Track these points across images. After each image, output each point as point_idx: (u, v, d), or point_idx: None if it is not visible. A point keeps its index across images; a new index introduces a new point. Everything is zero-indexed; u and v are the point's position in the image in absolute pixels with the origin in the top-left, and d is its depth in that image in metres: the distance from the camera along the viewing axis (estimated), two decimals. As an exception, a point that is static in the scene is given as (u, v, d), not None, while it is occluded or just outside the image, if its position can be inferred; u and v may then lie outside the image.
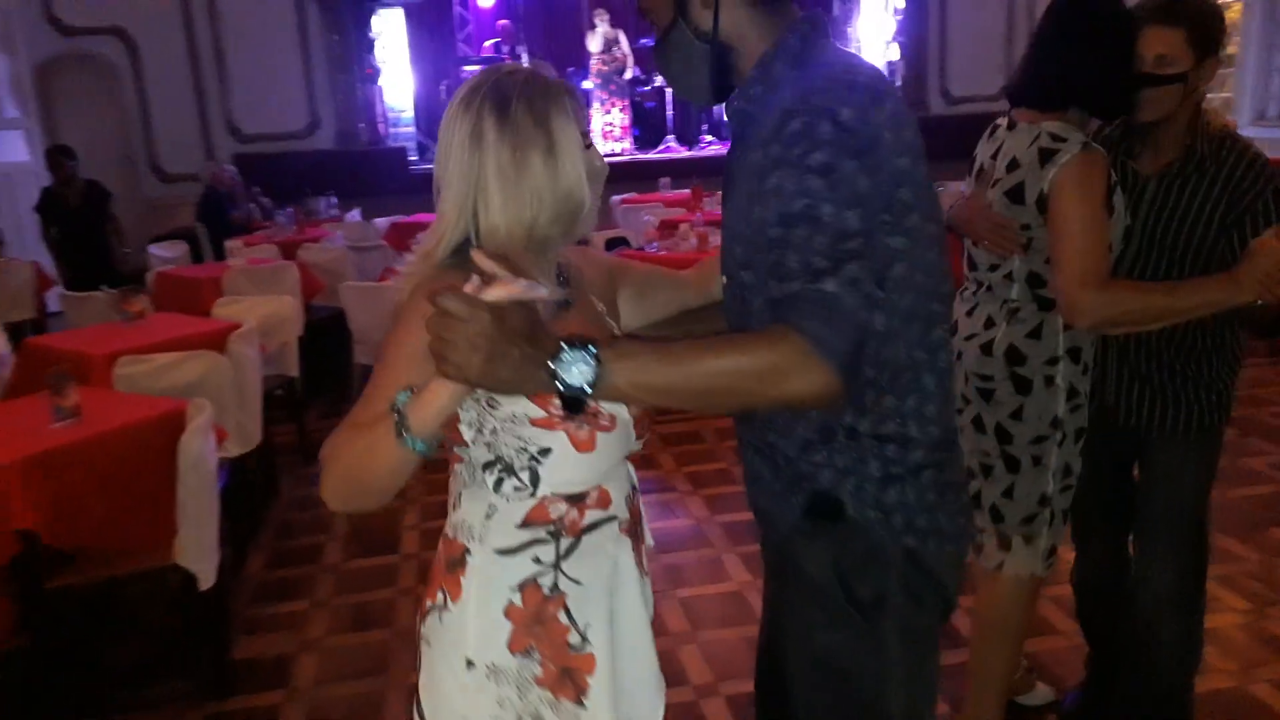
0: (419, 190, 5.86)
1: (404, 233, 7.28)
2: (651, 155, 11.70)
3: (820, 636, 1.35)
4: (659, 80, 12.45)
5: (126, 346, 3.78)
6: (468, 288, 1.05)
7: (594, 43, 11.61)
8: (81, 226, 7.07)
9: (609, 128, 11.56)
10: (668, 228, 6.26)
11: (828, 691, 1.37)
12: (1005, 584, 2.30)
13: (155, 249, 7.36)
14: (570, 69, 11.64)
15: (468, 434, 1.29)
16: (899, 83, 12.14)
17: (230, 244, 6.18)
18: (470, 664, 1.31)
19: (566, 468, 1.28)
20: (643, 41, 12.91)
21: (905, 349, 1.29)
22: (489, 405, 1.26)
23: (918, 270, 1.27)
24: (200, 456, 2.76)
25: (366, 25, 10.96)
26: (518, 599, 1.31)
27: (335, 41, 10.76)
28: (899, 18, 12.11)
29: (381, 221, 8.14)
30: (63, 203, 7.08)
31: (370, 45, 11.05)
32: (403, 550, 3.85)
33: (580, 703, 1.32)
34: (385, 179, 10.40)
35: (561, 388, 1.06)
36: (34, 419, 2.94)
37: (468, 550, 1.33)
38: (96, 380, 3.56)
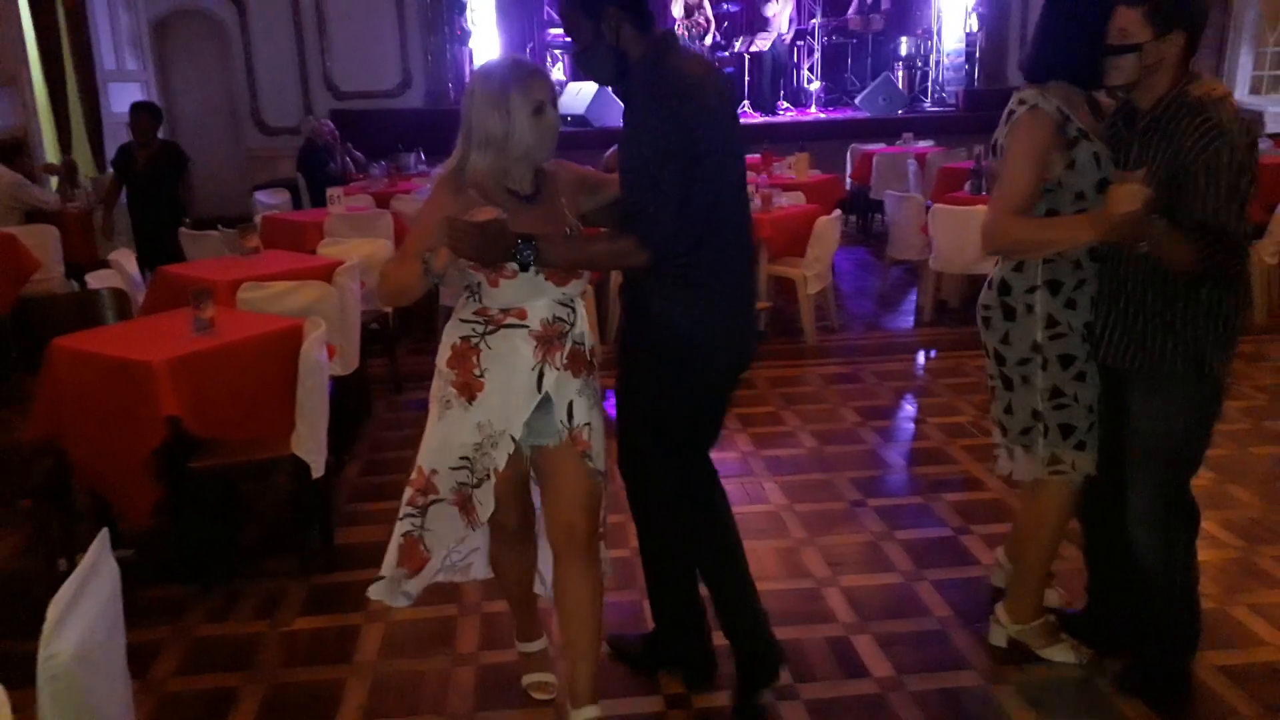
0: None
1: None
2: (728, 121, 11.97)
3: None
4: (740, 45, 12.71)
5: (246, 275, 4.31)
6: (477, 214, 2.20)
7: (677, 7, 11.90)
8: (149, 188, 6.71)
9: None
10: (735, 188, 6.58)
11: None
12: (1042, 495, 2.68)
13: (260, 195, 7.97)
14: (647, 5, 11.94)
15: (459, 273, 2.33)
16: (977, 54, 12.19)
17: (330, 192, 6.71)
18: (437, 368, 2.40)
19: (490, 292, 2.31)
20: (724, 6, 13.18)
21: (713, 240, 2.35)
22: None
23: (717, 192, 2.33)
24: (317, 363, 3.25)
25: (458, -12, 11.42)
26: (458, 341, 2.36)
27: (428, 4, 11.25)
28: (978, -9, 12.13)
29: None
30: (133, 162, 6.79)
31: (461, 8, 11.52)
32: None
33: (470, 402, 2.33)
34: (471, 137, 10.86)
35: (517, 262, 2.21)
36: (176, 329, 3.47)
37: (452, 320, 2.41)
38: (221, 303, 4.09)
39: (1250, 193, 2.30)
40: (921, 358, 6.04)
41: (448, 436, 2.35)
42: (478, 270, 2.27)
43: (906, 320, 6.84)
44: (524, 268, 2.21)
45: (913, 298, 7.16)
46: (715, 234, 2.35)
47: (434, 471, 2.39)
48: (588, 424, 2.39)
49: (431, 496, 2.41)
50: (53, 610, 1.50)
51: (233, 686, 2.82)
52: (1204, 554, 3.37)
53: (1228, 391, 2.60)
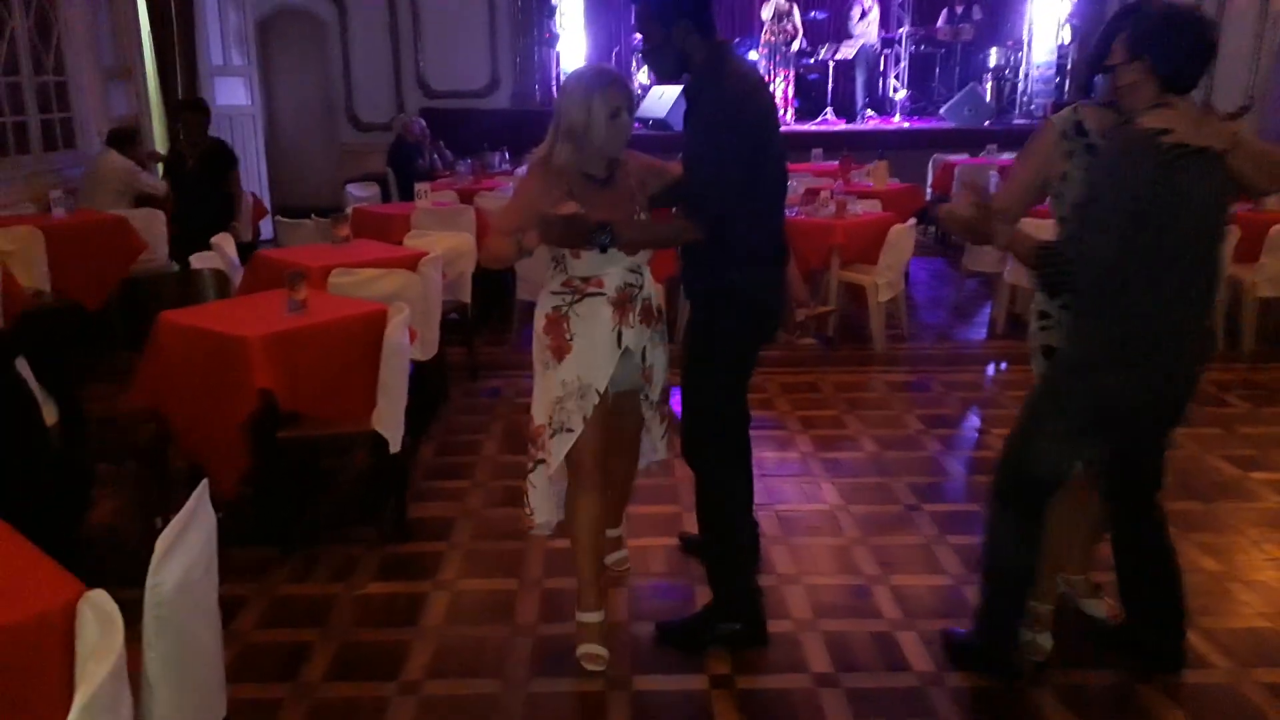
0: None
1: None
2: (809, 126, 12.02)
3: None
4: (824, 53, 12.74)
5: (336, 262, 4.55)
6: (562, 208, 2.57)
7: (767, 10, 12.01)
8: (198, 188, 6.65)
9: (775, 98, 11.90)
10: (810, 194, 6.66)
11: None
12: None
13: (352, 188, 8.30)
14: (738, 39, 12.07)
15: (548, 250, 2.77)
16: (1069, 65, 12.01)
17: (418, 187, 6.96)
18: (535, 334, 2.87)
19: (573, 263, 2.76)
20: (813, 14, 13.21)
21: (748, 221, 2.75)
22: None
23: (766, 185, 2.76)
24: (400, 345, 3.46)
25: (549, -8, 11.68)
26: (550, 311, 2.83)
27: (519, 7, 11.53)
28: (1074, 1, 11.95)
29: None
30: (181, 163, 6.73)
31: (551, 11, 11.77)
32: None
33: (560, 361, 2.80)
34: (555, 138, 11.11)
35: (597, 245, 2.60)
36: (272, 308, 3.71)
37: (544, 292, 2.86)
38: (313, 287, 4.33)
39: (1142, 228, 2.34)
40: (991, 370, 6.04)
41: (548, 390, 2.83)
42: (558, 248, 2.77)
43: (979, 332, 6.82)
44: (603, 250, 2.63)
45: (987, 310, 7.14)
46: (764, 221, 2.81)
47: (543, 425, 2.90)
48: (652, 364, 2.93)
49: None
50: (160, 545, 1.70)
51: (308, 641, 3.03)
52: (1266, 573, 3.38)
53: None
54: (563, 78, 12.03)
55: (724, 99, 2.64)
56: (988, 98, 12.51)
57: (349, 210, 6.83)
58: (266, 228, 8.34)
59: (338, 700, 2.76)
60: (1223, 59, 11.55)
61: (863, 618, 3.15)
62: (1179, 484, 4.13)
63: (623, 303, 2.80)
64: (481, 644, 3.02)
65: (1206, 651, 2.94)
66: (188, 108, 6.89)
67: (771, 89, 11.80)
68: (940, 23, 12.96)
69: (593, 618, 2.91)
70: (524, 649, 2.99)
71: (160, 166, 6.83)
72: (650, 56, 2.80)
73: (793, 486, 4.11)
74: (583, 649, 2.89)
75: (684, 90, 2.76)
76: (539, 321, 2.86)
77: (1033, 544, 2.70)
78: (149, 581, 1.66)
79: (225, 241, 5.42)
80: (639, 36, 2.82)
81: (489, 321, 6.55)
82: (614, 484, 3.07)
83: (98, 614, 1.52)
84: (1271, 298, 6.04)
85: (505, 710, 2.72)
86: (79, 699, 1.34)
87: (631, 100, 2.75)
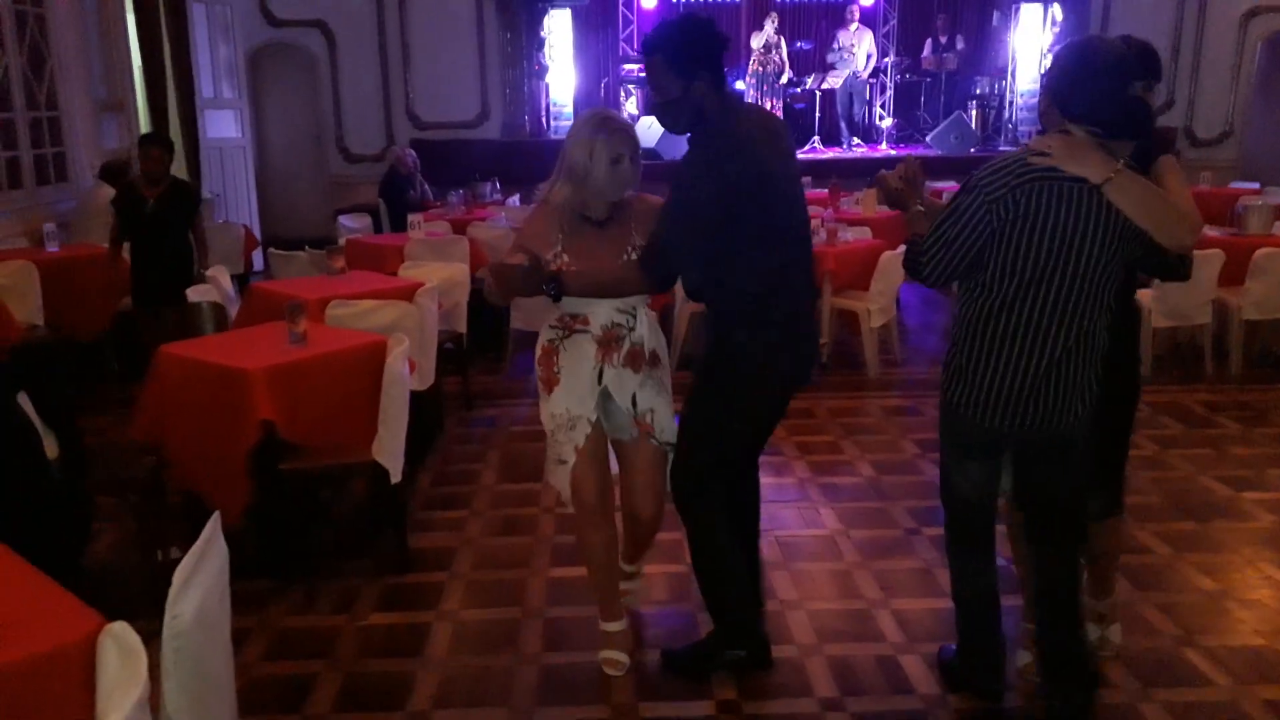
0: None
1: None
2: (797, 155, 12.14)
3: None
4: (811, 83, 12.89)
5: (333, 293, 4.57)
6: (512, 258, 2.73)
7: (757, 40, 12.17)
8: (158, 231, 5.85)
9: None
10: (801, 222, 6.71)
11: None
12: None
13: (343, 219, 8.34)
14: (725, 69, 12.21)
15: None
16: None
17: (412, 218, 7.00)
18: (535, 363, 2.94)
19: (565, 300, 2.76)
20: (799, 45, 13.39)
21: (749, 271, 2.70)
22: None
23: (765, 244, 2.66)
24: (400, 376, 3.48)
25: (538, 24, 11.79)
26: (545, 343, 2.90)
27: (508, 39, 11.64)
28: (1056, 28, 12.15)
29: (540, 206, 8.89)
30: (141, 202, 5.82)
31: (540, 43, 11.89)
32: (544, 479, 4.50)
33: (549, 394, 2.87)
34: (545, 168, 11.03)
35: (548, 295, 2.69)
36: (272, 340, 3.72)
37: (544, 325, 2.93)
38: (310, 318, 4.34)
39: (998, 246, 2.40)
40: (983, 393, 6.08)
41: (546, 423, 2.92)
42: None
43: (969, 356, 6.87)
44: (554, 299, 2.72)
45: (976, 334, 7.19)
46: (787, 278, 2.73)
47: None
48: (651, 410, 2.88)
49: None
50: (178, 577, 1.71)
51: (314, 673, 3.02)
52: (1259, 592, 3.41)
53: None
54: (553, 109, 12.16)
55: (716, 153, 2.59)
56: (973, 125, 12.68)
57: (343, 241, 6.86)
58: (258, 260, 8.37)
59: (344, 732, 2.75)
60: (1202, 87, 11.79)
61: (866, 641, 3.17)
62: (1173, 505, 4.18)
63: (608, 341, 2.81)
64: (486, 673, 3.01)
65: (1207, 669, 2.96)
66: (147, 141, 6.02)
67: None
68: (925, 53, 13.14)
69: (615, 627, 3.00)
70: (530, 677, 2.99)
71: (112, 209, 6.04)
72: (664, 110, 2.70)
73: (792, 512, 4.13)
74: (604, 654, 2.98)
75: (690, 139, 2.69)
76: (537, 352, 2.94)
77: (983, 568, 2.73)
78: (168, 613, 1.66)
79: (220, 274, 5.43)
80: (652, 88, 2.72)
81: (484, 351, 6.58)
82: (639, 522, 3.03)
83: (120, 646, 1.52)
84: (1258, 320, 6.12)
85: (512, 739, 2.72)
86: (115, 716, 1.34)
87: (636, 148, 2.75)
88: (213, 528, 1.91)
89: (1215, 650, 3.06)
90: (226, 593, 1.96)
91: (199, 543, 1.82)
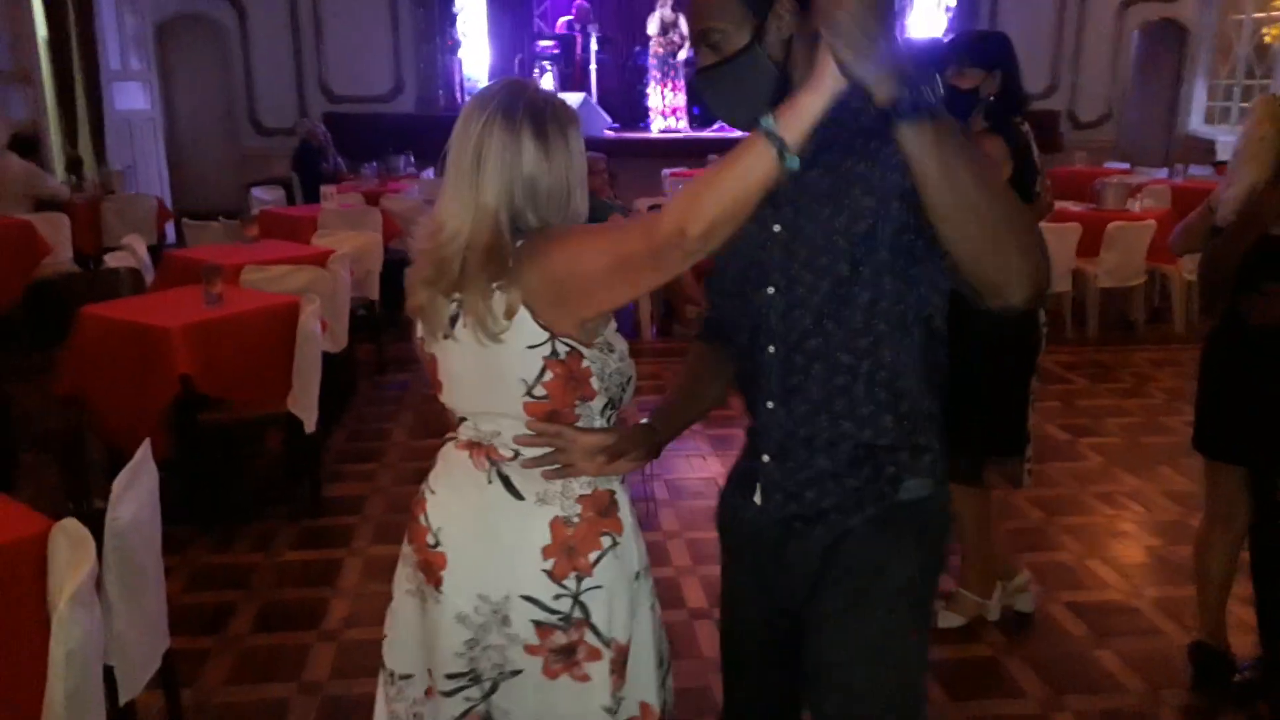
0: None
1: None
2: (706, 134, 12.50)
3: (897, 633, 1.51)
4: (718, 63, 13.24)
5: (248, 260, 4.79)
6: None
7: (652, 25, 12.40)
8: None
9: (665, 107, 12.29)
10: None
11: (894, 685, 1.52)
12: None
13: (256, 191, 8.47)
14: (638, 48, 12.51)
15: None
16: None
17: (325, 189, 7.18)
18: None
19: None
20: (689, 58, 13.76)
21: None
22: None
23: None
24: (312, 332, 3.76)
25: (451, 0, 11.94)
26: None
27: (421, 14, 11.76)
28: (949, 13, 12.73)
29: (453, 179, 9.12)
30: None
31: (453, 19, 12.02)
32: (454, 435, 4.82)
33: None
34: (459, 143, 11.38)
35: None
36: (189, 301, 3.96)
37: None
38: (226, 283, 4.57)
39: None
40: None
41: None
42: None
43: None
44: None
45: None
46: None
47: None
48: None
49: None
50: (117, 485, 2.01)
51: (233, 601, 3.31)
52: (1080, 519, 3.92)
53: None
54: (466, 84, 12.32)
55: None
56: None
57: (257, 212, 7.02)
58: (170, 232, 8.44)
59: (263, 648, 3.05)
60: (1083, 72, 12.48)
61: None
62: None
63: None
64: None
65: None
66: None
67: (665, 101, 12.29)
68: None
69: None
70: (433, 601, 3.32)
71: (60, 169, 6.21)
72: (724, 74, 1.49)
73: (683, 462, 4.53)
74: None
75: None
76: None
77: None
78: (108, 515, 1.96)
79: (136, 242, 5.59)
80: (692, 49, 1.58)
81: (397, 319, 6.80)
82: None
83: (70, 538, 1.81)
84: (1112, 287, 6.72)
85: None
86: (67, 590, 1.64)
87: None
88: (144, 452, 2.20)
89: (1041, 565, 3.54)
90: (157, 508, 2.26)
91: (133, 461, 2.12)
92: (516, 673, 1.54)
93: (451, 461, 1.61)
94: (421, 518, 1.60)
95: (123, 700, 2.05)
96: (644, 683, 1.60)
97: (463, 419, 1.60)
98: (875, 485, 1.49)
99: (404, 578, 1.64)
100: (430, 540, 1.57)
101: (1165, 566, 3.60)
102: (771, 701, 1.69)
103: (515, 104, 1.46)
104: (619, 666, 1.56)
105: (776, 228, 1.48)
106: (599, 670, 1.53)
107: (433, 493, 1.61)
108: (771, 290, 1.49)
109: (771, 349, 1.50)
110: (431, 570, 1.55)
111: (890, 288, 1.43)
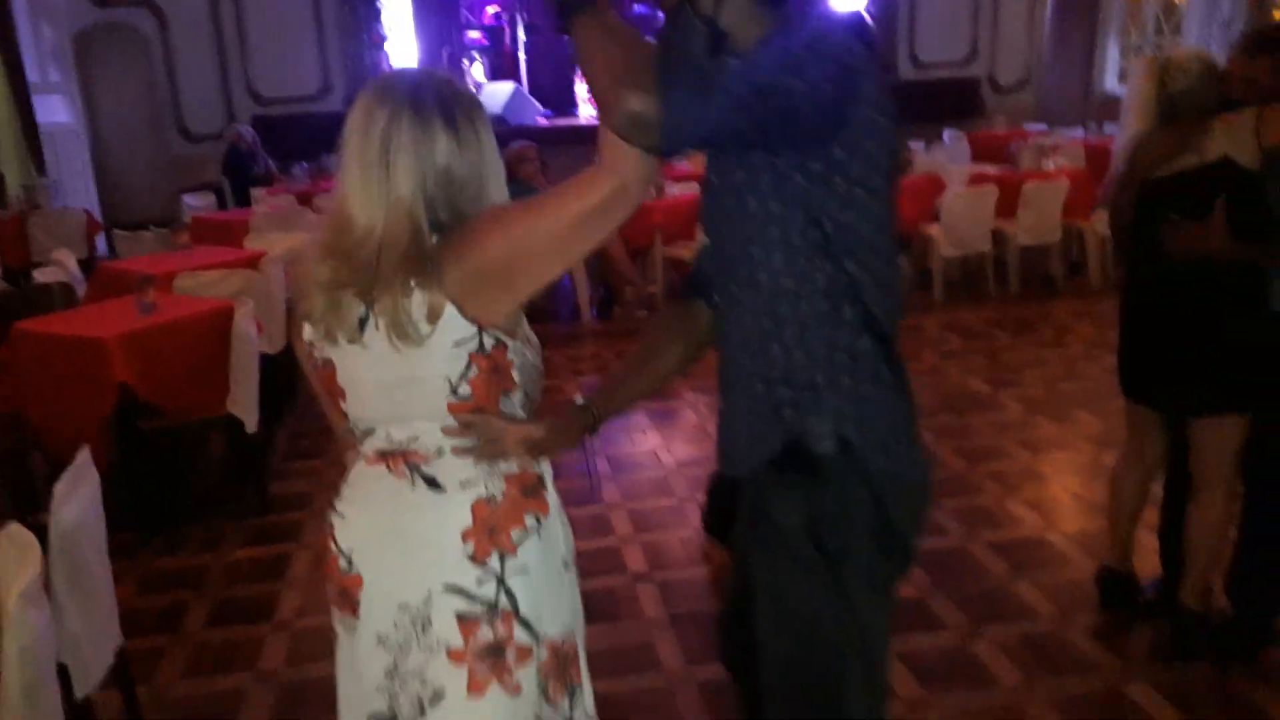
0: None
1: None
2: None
3: (787, 583, 1.50)
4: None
5: (180, 267, 4.83)
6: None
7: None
8: None
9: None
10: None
11: (790, 637, 1.51)
12: None
13: (187, 198, 8.43)
14: (568, 37, 12.53)
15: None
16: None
17: (255, 193, 7.21)
18: None
19: None
20: (635, 8, 13.81)
21: None
22: None
23: None
24: (247, 334, 3.82)
25: (375, -4, 11.90)
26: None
27: (346, 11, 11.70)
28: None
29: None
30: None
31: (378, 14, 11.99)
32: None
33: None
34: (391, 138, 11.36)
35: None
36: (123, 311, 4.00)
37: None
38: (159, 292, 4.60)
39: None
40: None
41: None
42: None
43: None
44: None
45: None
46: None
47: None
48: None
49: None
50: (59, 490, 2.08)
51: (185, 600, 3.38)
52: (1001, 465, 4.12)
53: None
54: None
55: None
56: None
57: (187, 219, 7.02)
58: (101, 245, 8.37)
59: (218, 642, 3.14)
60: (1000, 39, 12.76)
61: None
62: (941, 404, 4.89)
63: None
64: (345, 586, 3.43)
65: (944, 523, 3.62)
66: None
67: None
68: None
69: None
70: (383, 586, 3.42)
71: None
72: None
73: (624, 436, 4.66)
74: None
75: None
76: None
77: None
78: (52, 517, 2.04)
79: (65, 257, 5.58)
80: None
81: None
82: None
83: (15, 542, 1.89)
84: (1031, 245, 6.96)
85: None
86: (15, 589, 1.72)
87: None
88: (84, 456, 2.27)
89: (960, 509, 3.73)
90: (101, 512, 2.33)
91: (74, 465, 2.19)
92: (439, 699, 1.44)
93: (365, 479, 1.53)
94: (332, 545, 1.55)
95: (79, 695, 2.13)
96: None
97: (368, 431, 1.51)
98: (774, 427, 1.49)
99: (335, 620, 1.58)
100: (343, 565, 1.52)
101: (1079, 503, 3.82)
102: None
103: (423, 94, 1.41)
104: (555, 671, 1.49)
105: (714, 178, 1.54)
106: (529, 677, 1.46)
107: (341, 517, 1.56)
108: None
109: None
110: (348, 597, 1.51)
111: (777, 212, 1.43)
